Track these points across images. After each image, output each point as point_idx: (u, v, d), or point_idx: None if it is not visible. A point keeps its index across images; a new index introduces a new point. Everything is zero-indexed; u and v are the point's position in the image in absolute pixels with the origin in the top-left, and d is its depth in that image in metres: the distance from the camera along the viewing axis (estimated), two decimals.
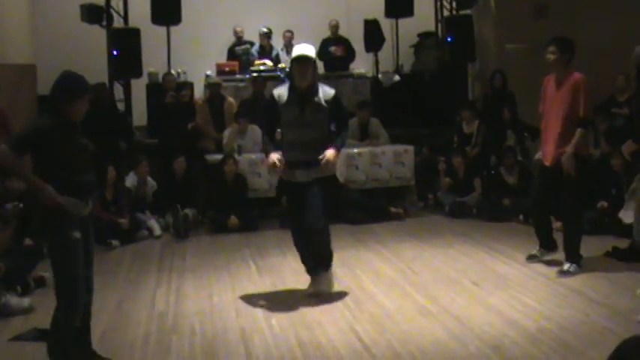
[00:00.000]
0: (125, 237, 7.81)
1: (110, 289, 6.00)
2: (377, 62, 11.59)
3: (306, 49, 5.40)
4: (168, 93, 9.66)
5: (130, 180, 8.59)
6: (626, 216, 7.03)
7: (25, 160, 4.13)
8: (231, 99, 9.98)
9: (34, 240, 6.34)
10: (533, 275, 6.07)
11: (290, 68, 5.54)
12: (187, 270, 6.70)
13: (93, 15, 10.12)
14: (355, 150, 9.03)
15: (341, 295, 5.67)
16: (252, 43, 11.56)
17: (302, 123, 5.42)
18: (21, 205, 6.24)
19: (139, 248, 7.71)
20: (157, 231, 8.16)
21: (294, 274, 6.20)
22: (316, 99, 5.40)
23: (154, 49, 10.50)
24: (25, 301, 5.47)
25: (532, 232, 6.54)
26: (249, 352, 4.56)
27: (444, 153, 9.52)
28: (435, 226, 8.32)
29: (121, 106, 10.34)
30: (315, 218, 5.40)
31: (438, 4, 11.62)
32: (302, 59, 5.34)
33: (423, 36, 12.01)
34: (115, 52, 10.16)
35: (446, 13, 11.53)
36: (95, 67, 10.06)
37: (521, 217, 8.19)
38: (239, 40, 11.67)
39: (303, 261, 5.73)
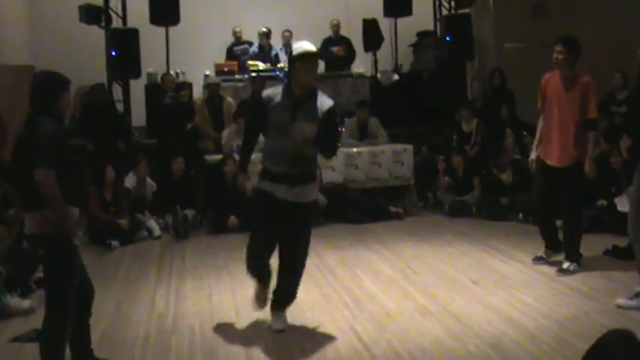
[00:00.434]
0: (125, 238, 7.80)
1: (110, 289, 5.99)
2: (376, 62, 11.57)
3: (311, 45, 4.81)
4: (167, 93, 9.63)
5: (130, 180, 8.58)
6: (621, 203, 7.02)
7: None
8: (230, 99, 9.96)
9: (30, 244, 6.29)
10: (533, 274, 6.07)
11: (290, 68, 4.81)
12: (187, 270, 6.70)
13: (91, 15, 10.09)
14: (354, 149, 9.03)
15: (341, 295, 5.67)
16: (250, 43, 11.56)
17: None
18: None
19: (139, 249, 7.70)
20: (157, 231, 8.15)
21: None
22: (312, 107, 4.73)
23: (153, 49, 10.49)
24: (25, 303, 5.47)
25: (532, 231, 6.54)
26: (248, 352, 4.56)
27: (444, 152, 9.51)
28: (435, 226, 8.32)
29: (119, 107, 10.31)
30: (295, 282, 5.02)
31: (437, 3, 11.58)
32: (310, 55, 4.73)
33: (422, 35, 12.00)
34: (113, 53, 10.13)
35: (444, 12, 11.50)
36: (94, 68, 10.10)
37: (520, 215, 8.19)
38: (238, 40, 11.67)
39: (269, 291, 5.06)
